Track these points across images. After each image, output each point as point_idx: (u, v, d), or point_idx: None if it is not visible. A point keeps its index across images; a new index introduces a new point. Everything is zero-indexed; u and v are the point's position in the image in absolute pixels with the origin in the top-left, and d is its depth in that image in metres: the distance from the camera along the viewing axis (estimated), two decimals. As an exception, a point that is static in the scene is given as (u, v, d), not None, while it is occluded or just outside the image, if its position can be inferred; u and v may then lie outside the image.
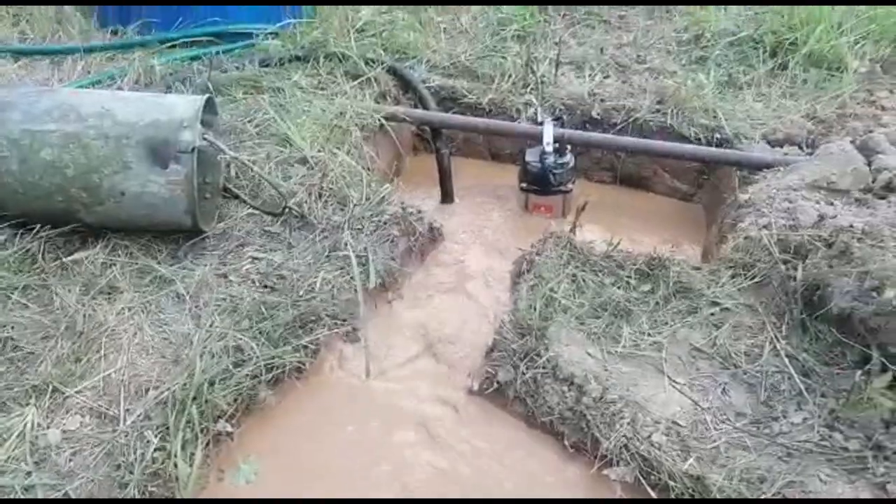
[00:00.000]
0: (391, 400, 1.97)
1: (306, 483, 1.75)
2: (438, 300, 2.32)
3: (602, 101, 3.03)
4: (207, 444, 1.70)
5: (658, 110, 2.96)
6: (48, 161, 2.08)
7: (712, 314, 2.03)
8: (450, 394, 1.99)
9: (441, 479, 1.78)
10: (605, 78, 3.23)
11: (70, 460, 1.64)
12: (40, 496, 1.56)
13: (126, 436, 1.68)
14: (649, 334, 1.98)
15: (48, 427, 1.69)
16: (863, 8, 3.40)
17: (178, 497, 1.60)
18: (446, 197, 2.95)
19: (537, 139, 2.75)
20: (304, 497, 1.71)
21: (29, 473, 1.60)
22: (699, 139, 2.82)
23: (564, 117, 2.91)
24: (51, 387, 1.77)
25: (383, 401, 1.97)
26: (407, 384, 2.02)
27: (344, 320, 2.08)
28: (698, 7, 3.71)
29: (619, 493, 1.68)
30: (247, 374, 1.83)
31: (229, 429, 1.76)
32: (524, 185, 2.81)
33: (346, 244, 2.25)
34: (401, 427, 1.90)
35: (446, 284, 2.39)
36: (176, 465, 1.60)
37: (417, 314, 2.26)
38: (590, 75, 3.23)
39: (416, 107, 3.05)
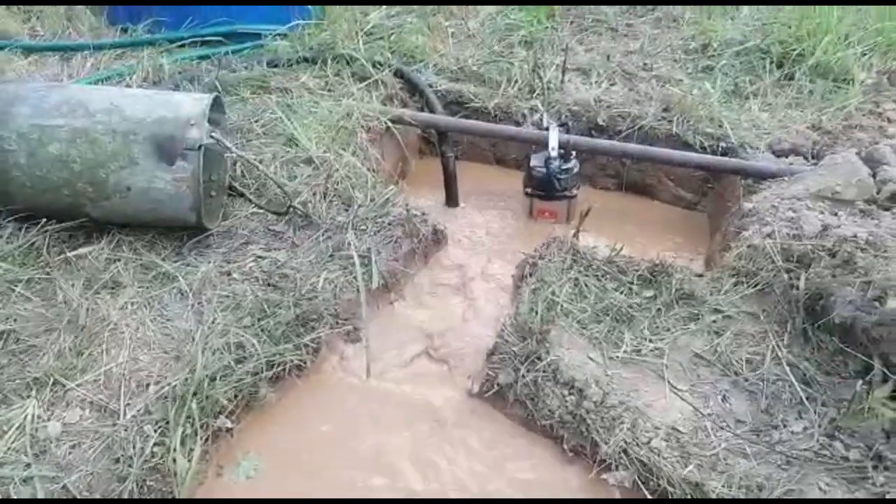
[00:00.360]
0: (391, 400, 1.97)
1: (305, 480, 1.75)
2: (440, 302, 2.33)
3: (608, 107, 3.04)
4: (207, 439, 1.71)
5: (664, 118, 2.97)
6: (56, 155, 2.09)
7: (714, 321, 2.03)
8: (450, 395, 1.99)
9: (439, 479, 1.78)
10: (611, 85, 3.24)
11: (69, 453, 1.64)
12: (38, 488, 1.56)
13: (126, 430, 1.68)
14: (651, 340, 1.98)
15: (48, 420, 1.70)
16: (870, 20, 3.41)
17: (175, 492, 1.60)
18: (451, 200, 2.96)
19: (543, 144, 2.75)
20: (303, 494, 1.71)
21: (28, 465, 1.60)
22: (704, 148, 2.83)
23: (570, 123, 2.92)
24: (52, 380, 1.77)
25: (383, 401, 1.97)
26: (407, 385, 2.02)
27: (346, 320, 2.09)
28: (705, 16, 3.72)
29: (618, 497, 1.67)
30: (248, 371, 1.83)
31: (229, 425, 1.76)
32: (529, 189, 2.82)
33: (349, 244, 2.26)
34: (400, 427, 1.90)
35: (449, 287, 2.39)
36: (175, 460, 1.60)
37: (419, 315, 2.26)
38: (596, 82, 3.24)
39: (422, 110, 3.07)
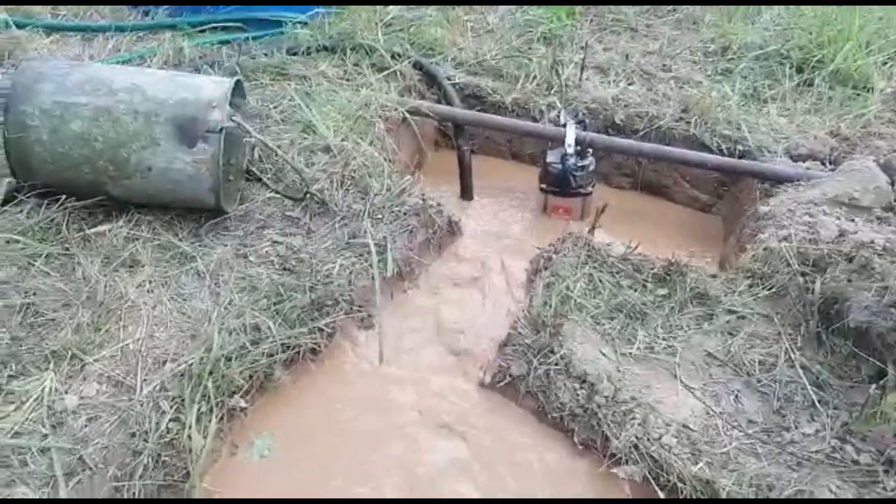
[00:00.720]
0: (403, 387, 1.99)
1: (318, 462, 1.77)
2: (454, 293, 2.34)
3: (626, 106, 3.03)
4: (222, 417, 1.72)
5: (682, 119, 2.96)
6: (77, 133, 2.11)
7: (728, 322, 2.03)
8: (461, 384, 2.00)
9: (448, 468, 1.79)
10: (629, 84, 3.23)
11: (85, 426, 1.65)
12: (55, 459, 1.58)
13: (142, 405, 1.70)
14: (664, 338, 1.99)
15: (66, 392, 1.72)
16: (892, 29, 3.40)
17: (190, 468, 1.61)
18: (465, 193, 2.96)
19: (559, 141, 2.75)
20: (316, 476, 1.72)
21: (45, 436, 1.62)
22: (721, 150, 2.82)
23: (587, 121, 2.91)
24: (70, 353, 1.79)
25: (395, 387, 1.98)
26: (419, 373, 2.03)
27: (360, 307, 2.10)
28: (726, 20, 3.71)
29: (627, 492, 1.68)
30: (263, 353, 1.85)
31: (243, 404, 1.77)
32: (544, 185, 2.82)
33: (365, 232, 2.27)
34: (411, 414, 1.91)
35: (462, 278, 2.40)
36: (190, 437, 1.62)
37: (432, 305, 2.27)
38: (614, 81, 3.24)
39: (440, 103, 3.07)
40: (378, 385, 1.98)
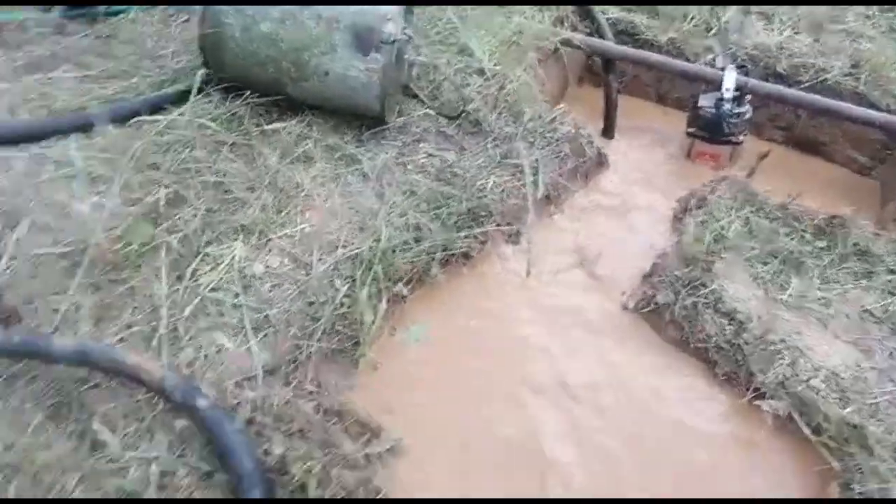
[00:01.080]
0: (546, 301, 2.08)
1: (465, 354, 1.91)
2: (597, 222, 2.38)
3: (790, 55, 2.88)
4: (388, 300, 1.88)
5: (850, 74, 2.79)
6: (266, 33, 2.27)
7: (889, 281, 1.97)
8: (603, 306, 2.07)
9: (584, 385, 1.88)
10: (795, 33, 3.05)
11: (270, 291, 1.86)
12: (245, 315, 1.80)
13: (318, 280, 1.88)
14: (819, 289, 1.96)
15: (253, 261, 1.93)
16: None
17: (360, 339, 1.79)
18: (608, 131, 2.95)
19: (716, 84, 2.66)
20: (462, 367, 1.87)
21: (237, 294, 1.84)
22: (892, 111, 2.64)
23: (748, 66, 2.79)
24: (258, 229, 2.00)
25: (539, 301, 2.08)
26: (562, 290, 2.12)
27: (509, 223, 2.19)
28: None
29: (769, 425, 1.71)
30: (423, 250, 1.99)
31: (405, 292, 1.93)
32: (692, 129, 2.75)
33: (517, 153, 2.33)
34: (552, 328, 2.01)
35: (606, 209, 2.43)
36: (362, 312, 1.79)
37: (577, 230, 2.33)
38: (779, 28, 3.07)
39: (591, 36, 3.03)
40: (523, 296, 2.08)
